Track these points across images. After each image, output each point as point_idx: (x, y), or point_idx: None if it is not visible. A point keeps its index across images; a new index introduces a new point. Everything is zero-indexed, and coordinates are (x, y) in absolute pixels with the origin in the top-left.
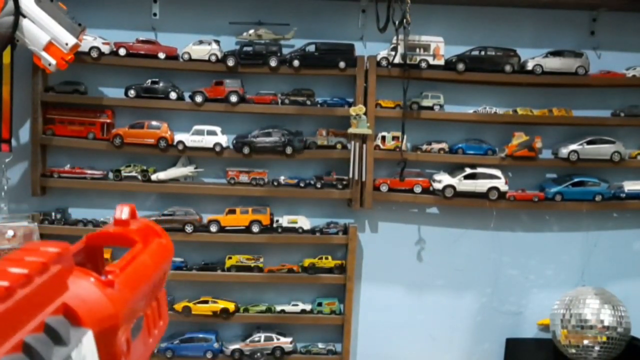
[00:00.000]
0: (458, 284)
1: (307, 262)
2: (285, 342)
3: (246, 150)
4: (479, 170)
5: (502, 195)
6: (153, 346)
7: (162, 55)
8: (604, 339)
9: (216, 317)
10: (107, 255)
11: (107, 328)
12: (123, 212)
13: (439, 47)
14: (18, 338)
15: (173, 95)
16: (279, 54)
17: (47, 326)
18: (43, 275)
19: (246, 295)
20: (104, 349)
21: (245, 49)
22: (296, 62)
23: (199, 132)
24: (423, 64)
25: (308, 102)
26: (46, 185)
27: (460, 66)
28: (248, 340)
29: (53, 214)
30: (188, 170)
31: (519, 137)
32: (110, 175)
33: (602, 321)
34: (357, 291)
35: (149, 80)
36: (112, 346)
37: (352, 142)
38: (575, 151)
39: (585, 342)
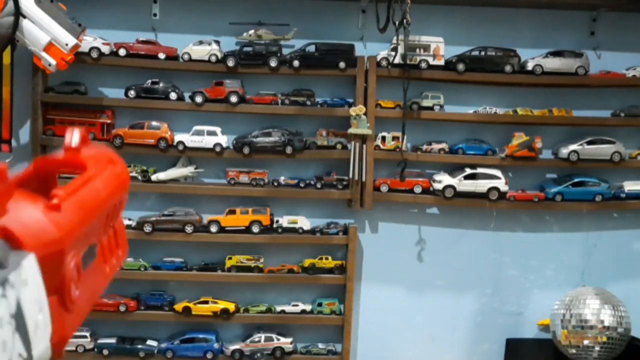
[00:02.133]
0: (458, 284)
1: (307, 262)
2: (285, 342)
3: (246, 150)
4: (479, 170)
5: (502, 195)
6: (111, 274)
7: (162, 56)
8: (604, 339)
9: (216, 317)
10: None
11: (52, 252)
12: (73, 137)
13: (439, 47)
14: None
15: (173, 95)
16: (279, 54)
17: None
18: None
19: (246, 295)
20: (49, 273)
21: (245, 49)
22: (296, 63)
23: (199, 133)
24: (423, 64)
25: (308, 103)
26: None
27: (460, 66)
28: (248, 341)
29: None
30: (188, 170)
31: (519, 138)
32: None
33: (602, 321)
34: (357, 291)
35: (149, 81)
36: (58, 271)
37: (352, 143)
38: (575, 151)
39: (586, 342)
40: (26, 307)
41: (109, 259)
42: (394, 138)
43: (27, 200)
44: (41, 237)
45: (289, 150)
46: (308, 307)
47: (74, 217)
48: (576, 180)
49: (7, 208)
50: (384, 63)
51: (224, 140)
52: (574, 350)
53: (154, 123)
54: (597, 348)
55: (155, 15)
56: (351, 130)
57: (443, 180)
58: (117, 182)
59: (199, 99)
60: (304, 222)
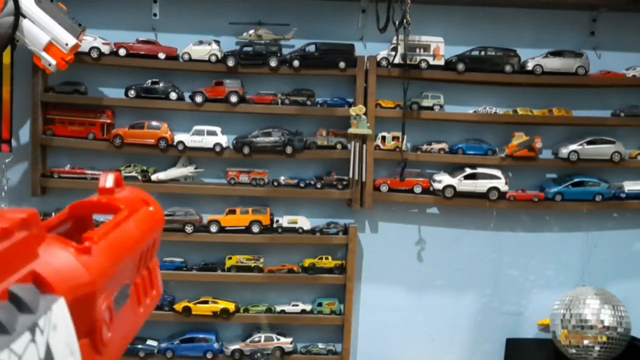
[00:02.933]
0: (458, 284)
1: (307, 262)
2: (285, 342)
3: (246, 150)
4: (479, 170)
5: (502, 195)
6: (145, 315)
7: (162, 56)
8: (604, 339)
9: (216, 317)
10: None
11: (83, 295)
12: (107, 180)
13: (439, 47)
14: None
15: (173, 95)
16: (279, 54)
17: (11, 294)
18: (5, 241)
19: (246, 295)
20: (80, 317)
21: (245, 49)
22: (296, 63)
23: (199, 133)
24: (423, 64)
25: (308, 102)
26: (46, 186)
27: (460, 66)
28: (248, 341)
29: (53, 214)
30: (188, 170)
31: (519, 137)
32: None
33: (602, 321)
34: (357, 291)
35: (149, 81)
36: (90, 314)
37: (352, 143)
38: (575, 151)
39: (586, 342)
40: (56, 352)
41: (143, 299)
42: (394, 138)
43: (58, 244)
44: (72, 280)
45: (289, 150)
46: (308, 307)
47: (106, 260)
48: (576, 180)
49: (38, 252)
50: (384, 63)
51: (224, 140)
52: (574, 350)
53: (154, 123)
54: (597, 348)
55: (155, 15)
56: (351, 130)
57: (443, 180)
58: (150, 223)
59: (199, 99)
60: (304, 222)
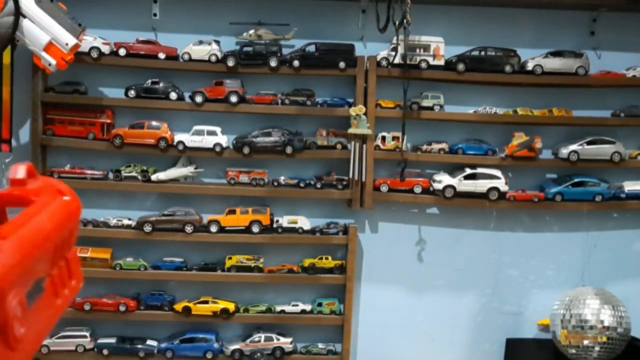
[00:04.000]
0: (458, 284)
1: (307, 262)
2: (285, 342)
3: (246, 150)
4: (479, 170)
5: (502, 195)
6: (63, 307)
7: (162, 56)
8: (604, 339)
9: (216, 317)
10: None
11: None
12: (18, 171)
13: (439, 47)
14: None
15: (173, 95)
16: (279, 54)
17: None
18: None
19: (246, 295)
20: None
21: (245, 49)
22: (296, 63)
23: (199, 133)
24: (423, 64)
25: (308, 103)
26: None
27: (460, 66)
28: (248, 341)
29: None
30: (188, 170)
31: (519, 138)
32: (111, 175)
33: (602, 321)
34: (357, 291)
35: (149, 81)
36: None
37: (352, 143)
38: (575, 151)
39: (585, 342)
40: None
41: (61, 291)
42: (394, 138)
43: None
44: None
45: (289, 150)
46: (308, 307)
47: (15, 256)
48: (576, 180)
49: None
50: (384, 63)
51: (224, 140)
52: (573, 350)
53: (154, 123)
54: (597, 348)
55: (155, 15)
56: (351, 130)
57: (443, 180)
58: (65, 214)
59: (199, 99)
60: (304, 222)
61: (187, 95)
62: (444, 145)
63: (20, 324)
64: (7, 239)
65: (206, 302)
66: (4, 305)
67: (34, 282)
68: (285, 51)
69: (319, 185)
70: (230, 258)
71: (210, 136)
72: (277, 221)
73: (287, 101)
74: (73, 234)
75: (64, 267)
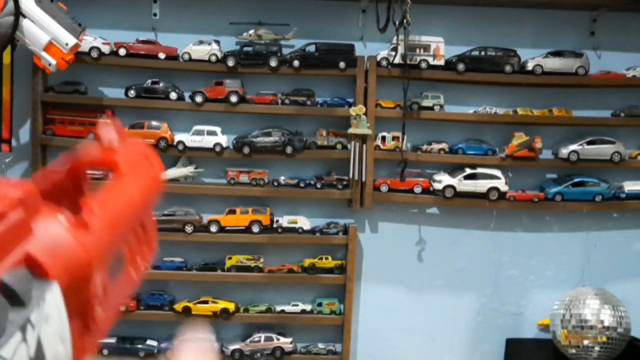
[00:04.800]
0: (458, 284)
1: (307, 262)
2: (285, 342)
3: (246, 150)
4: (479, 170)
5: (502, 195)
6: (138, 279)
7: (162, 56)
8: (604, 339)
9: (216, 317)
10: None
11: (78, 277)
12: (110, 134)
13: (439, 47)
14: None
15: (173, 95)
16: (279, 54)
17: (2, 285)
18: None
19: (246, 295)
20: (74, 298)
21: (245, 49)
22: (296, 63)
23: (199, 132)
24: (423, 64)
25: (308, 102)
26: None
27: (460, 66)
28: (248, 341)
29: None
30: (188, 170)
31: (519, 138)
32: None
33: (602, 321)
34: (357, 291)
35: (149, 81)
36: (84, 294)
37: (352, 143)
38: (575, 151)
39: (585, 342)
40: (47, 344)
41: (137, 264)
42: (394, 138)
43: (51, 216)
44: (66, 260)
45: (289, 150)
46: (308, 307)
47: (105, 235)
48: (576, 180)
49: (32, 229)
50: (384, 63)
51: (224, 140)
52: (573, 350)
53: (154, 123)
54: (597, 348)
55: (155, 15)
56: (351, 130)
57: (443, 180)
58: (153, 185)
59: (199, 99)
60: (304, 222)
61: (187, 95)
62: (444, 145)
63: (101, 306)
64: (97, 216)
65: (206, 302)
66: (90, 287)
67: (116, 258)
68: (285, 51)
69: (319, 185)
70: (230, 258)
71: (210, 136)
72: (277, 221)
73: (287, 101)
74: (153, 201)
75: (142, 234)
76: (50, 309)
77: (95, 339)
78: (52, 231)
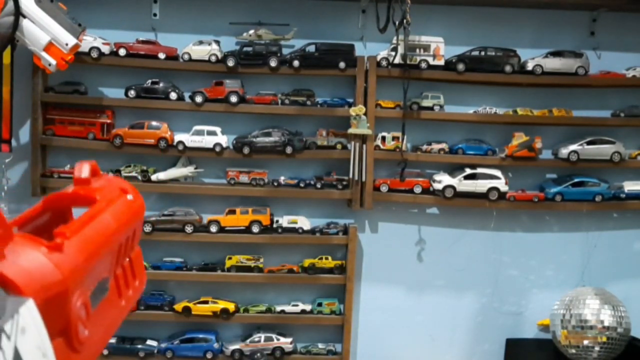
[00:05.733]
0: (458, 284)
1: (307, 262)
2: (285, 342)
3: (246, 150)
4: (479, 170)
5: (502, 195)
6: (127, 307)
7: (162, 56)
8: (604, 339)
9: (216, 317)
10: None
11: (54, 295)
12: (83, 170)
13: (439, 47)
14: None
15: (173, 95)
16: (279, 54)
17: None
18: None
19: (246, 295)
20: (53, 316)
21: (245, 49)
22: (296, 63)
23: (199, 133)
24: (423, 64)
25: (308, 103)
26: (46, 186)
27: (460, 66)
28: (248, 341)
29: None
30: (188, 170)
31: (519, 138)
32: (111, 175)
33: (602, 321)
34: (357, 291)
35: (149, 81)
36: (63, 313)
37: (352, 143)
38: (575, 151)
39: (585, 342)
40: (26, 355)
41: (125, 291)
42: (394, 138)
43: (27, 242)
44: (41, 280)
45: (289, 150)
46: (308, 307)
47: (80, 256)
48: (576, 180)
49: (4, 253)
50: (384, 63)
51: (224, 140)
52: (573, 351)
53: (154, 123)
54: (597, 348)
55: (155, 15)
56: (351, 130)
57: (443, 180)
58: (129, 213)
59: (199, 99)
60: (304, 222)
61: (187, 95)
62: (444, 146)
63: (84, 326)
64: (71, 238)
65: (206, 302)
66: (69, 306)
67: (98, 283)
68: (285, 51)
69: (319, 185)
70: (230, 258)
71: (210, 136)
72: (277, 221)
73: (287, 101)
74: (137, 233)
75: (128, 266)
76: (26, 322)
77: (84, 359)
78: (24, 253)
